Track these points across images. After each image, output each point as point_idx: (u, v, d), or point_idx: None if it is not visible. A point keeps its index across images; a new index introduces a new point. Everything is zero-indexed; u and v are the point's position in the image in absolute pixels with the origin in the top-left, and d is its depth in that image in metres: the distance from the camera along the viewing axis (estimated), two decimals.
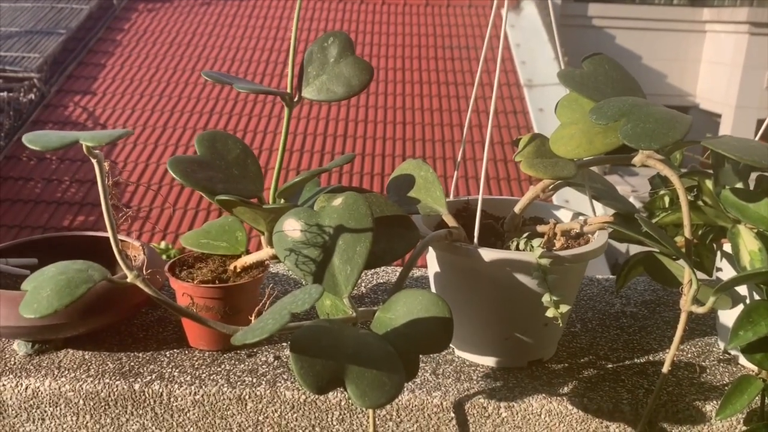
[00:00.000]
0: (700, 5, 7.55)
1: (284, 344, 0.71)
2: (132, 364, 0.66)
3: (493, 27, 0.73)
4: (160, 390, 0.63)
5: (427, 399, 0.62)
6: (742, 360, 0.71)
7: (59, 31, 5.57)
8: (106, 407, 0.63)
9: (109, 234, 0.47)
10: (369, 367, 0.47)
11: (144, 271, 0.48)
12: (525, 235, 0.66)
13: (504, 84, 5.15)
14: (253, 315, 0.49)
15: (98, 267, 0.46)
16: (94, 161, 0.45)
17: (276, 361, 0.67)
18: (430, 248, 0.67)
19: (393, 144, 4.54)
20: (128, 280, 0.48)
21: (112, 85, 5.11)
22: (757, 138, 0.71)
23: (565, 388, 0.65)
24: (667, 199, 0.71)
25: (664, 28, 7.35)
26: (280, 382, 0.64)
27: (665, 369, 0.59)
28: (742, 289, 0.68)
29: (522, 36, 5.74)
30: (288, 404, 0.63)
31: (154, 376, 0.64)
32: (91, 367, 0.65)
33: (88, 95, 5.00)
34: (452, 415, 0.62)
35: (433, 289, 0.71)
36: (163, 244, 3.25)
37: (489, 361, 0.68)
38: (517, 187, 4.29)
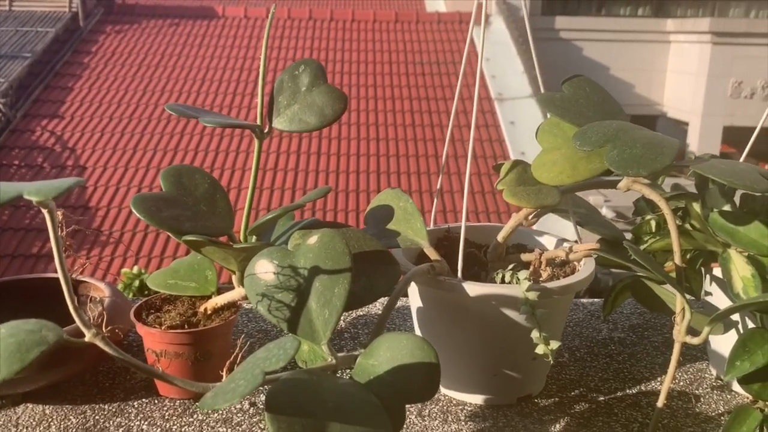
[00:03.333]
0: (663, 16, 7.70)
1: (262, 388, 0.67)
2: (97, 417, 0.62)
3: (467, 42, 0.71)
4: None
5: None
6: (736, 386, 0.69)
7: (24, 54, 5.45)
8: None
9: (65, 292, 0.43)
10: (352, 422, 0.43)
11: (104, 328, 0.44)
12: (510, 266, 0.63)
13: (469, 98, 5.13)
14: (225, 370, 0.45)
15: (52, 326, 0.42)
16: (44, 211, 0.41)
17: (252, 409, 0.63)
18: (413, 282, 0.64)
19: (367, 178, 4.40)
20: (86, 339, 0.44)
21: (80, 108, 5.01)
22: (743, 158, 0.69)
23: (557, 426, 0.62)
24: (654, 224, 0.69)
25: (630, 39, 7.48)
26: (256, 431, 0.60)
27: (660, 402, 0.57)
28: (735, 314, 0.66)
29: (491, 50, 5.77)
30: None
31: (120, 431, 0.60)
32: (51, 423, 0.61)
33: (55, 119, 4.90)
34: None
35: (416, 324, 0.68)
36: (135, 269, 3.16)
37: (477, 399, 0.65)
38: (502, 201, 4.28)
